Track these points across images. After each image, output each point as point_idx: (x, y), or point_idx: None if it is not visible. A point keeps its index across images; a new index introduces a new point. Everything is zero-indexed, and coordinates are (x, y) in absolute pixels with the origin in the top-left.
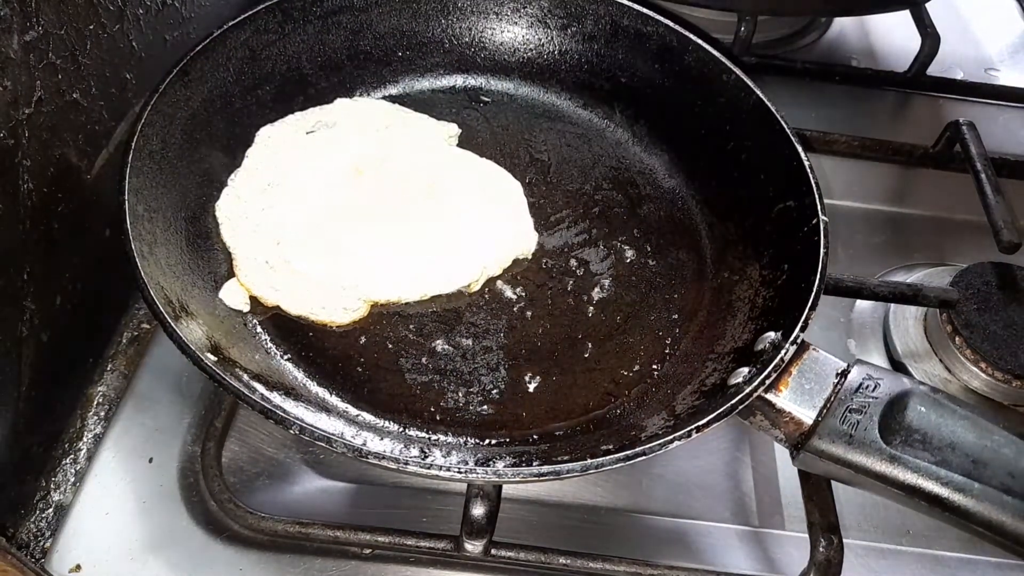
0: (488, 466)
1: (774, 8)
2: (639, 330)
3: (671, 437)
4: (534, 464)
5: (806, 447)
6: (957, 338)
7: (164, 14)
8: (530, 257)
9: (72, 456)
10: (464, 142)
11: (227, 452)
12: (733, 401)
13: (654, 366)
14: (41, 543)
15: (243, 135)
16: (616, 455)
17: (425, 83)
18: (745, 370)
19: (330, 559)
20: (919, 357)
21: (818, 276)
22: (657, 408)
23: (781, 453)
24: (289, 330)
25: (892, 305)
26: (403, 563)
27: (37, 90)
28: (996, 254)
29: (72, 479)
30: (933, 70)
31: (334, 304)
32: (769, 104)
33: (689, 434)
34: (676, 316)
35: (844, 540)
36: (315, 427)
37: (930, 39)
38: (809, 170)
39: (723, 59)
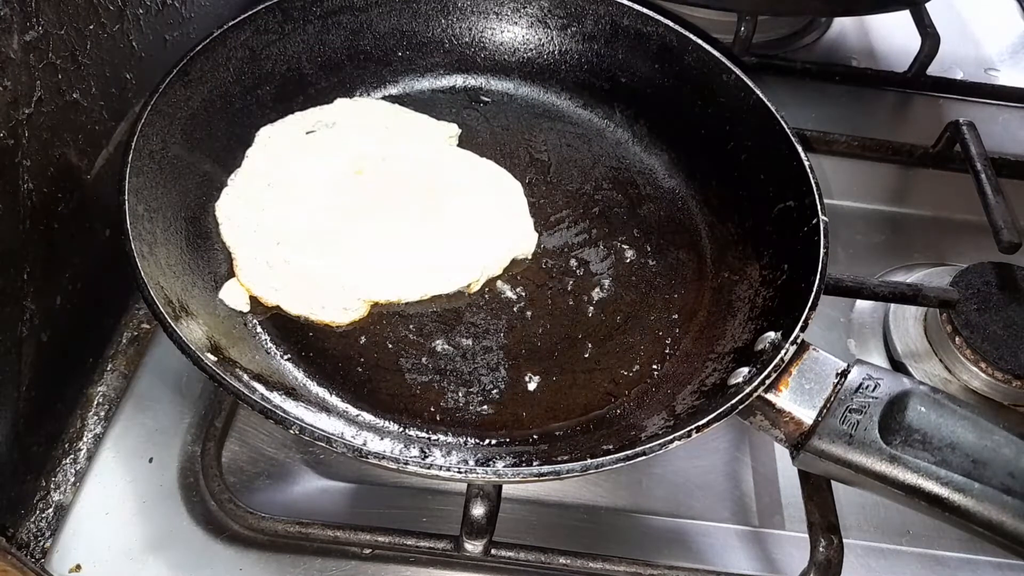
0: (488, 466)
1: (774, 8)
2: (639, 330)
3: (671, 437)
4: (534, 464)
5: (806, 447)
6: (957, 338)
7: (164, 14)
8: (530, 257)
9: (72, 456)
10: (464, 142)
11: (227, 452)
12: (733, 401)
13: (654, 366)
14: (41, 543)
15: (243, 135)
16: (616, 455)
17: (425, 83)
18: (745, 370)
19: (330, 559)
20: (919, 357)
21: (818, 276)
22: (657, 408)
23: (781, 453)
24: (289, 330)
25: (892, 305)
26: (403, 563)
27: (37, 90)
28: (996, 254)
29: (72, 479)
30: (933, 70)
31: (334, 304)
32: (769, 104)
33: (689, 434)
34: (676, 316)
35: (844, 540)
36: (315, 427)
37: (930, 39)
38: (809, 170)
39: (723, 59)
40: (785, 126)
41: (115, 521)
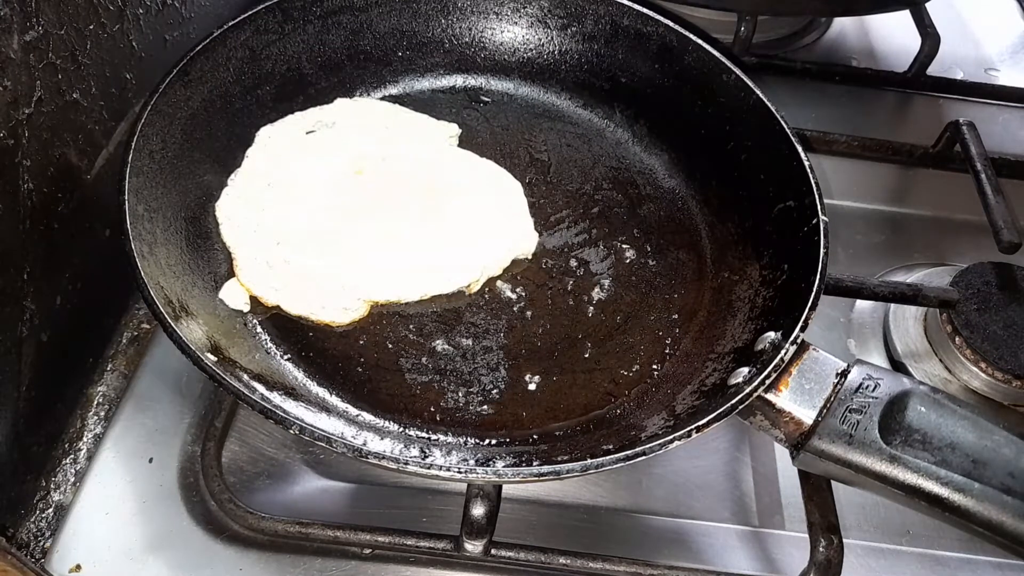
0: (488, 466)
1: (774, 8)
2: (639, 330)
3: (671, 437)
4: (534, 464)
5: (806, 447)
6: (957, 338)
7: (164, 14)
8: (530, 257)
9: (72, 456)
10: (464, 142)
11: (227, 452)
12: (733, 401)
13: (654, 366)
14: (41, 543)
15: (243, 135)
16: (616, 455)
17: (425, 83)
18: (745, 370)
19: (330, 559)
20: (919, 357)
21: (818, 276)
22: (657, 408)
23: (781, 453)
24: (289, 330)
25: (892, 305)
26: (403, 563)
27: (37, 90)
28: (996, 254)
29: (72, 479)
30: (933, 70)
31: (334, 304)
32: (769, 104)
33: (689, 434)
34: (676, 316)
35: (844, 540)
36: (315, 427)
37: (930, 39)
38: (809, 170)
39: (723, 59)
40: (785, 126)
41: (115, 521)
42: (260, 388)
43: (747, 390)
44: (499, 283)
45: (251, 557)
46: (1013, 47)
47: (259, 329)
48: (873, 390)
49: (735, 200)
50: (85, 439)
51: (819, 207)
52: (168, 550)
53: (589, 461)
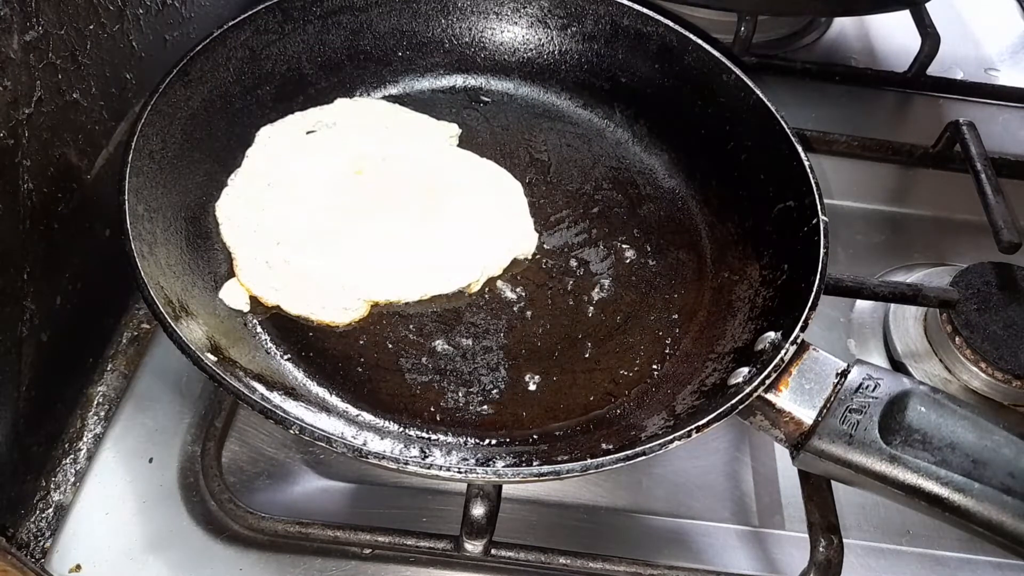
0: (488, 466)
1: (774, 8)
2: (639, 330)
3: (671, 437)
4: (534, 464)
5: (806, 447)
6: (957, 338)
7: (164, 14)
8: (530, 257)
9: (72, 456)
10: (464, 142)
11: (227, 452)
12: (733, 401)
13: (654, 366)
14: (41, 543)
15: (243, 135)
16: (616, 455)
17: (425, 83)
18: (745, 370)
19: (330, 559)
20: (919, 357)
21: (818, 276)
22: (657, 408)
23: (781, 453)
24: (289, 330)
25: (892, 305)
26: (403, 563)
27: (37, 90)
28: (996, 254)
29: (72, 479)
30: (933, 70)
31: (334, 304)
32: (769, 104)
33: (689, 434)
34: (676, 316)
35: (844, 540)
36: (315, 427)
37: (930, 39)
38: (809, 170)
39: (723, 59)
40: (785, 126)
41: (115, 521)
42: (260, 388)
43: (747, 390)
44: (499, 283)
45: (251, 557)
46: (1013, 47)
47: (259, 329)
48: (873, 390)
49: (735, 200)
50: (85, 439)
51: (819, 207)
52: (168, 550)
53: (589, 461)
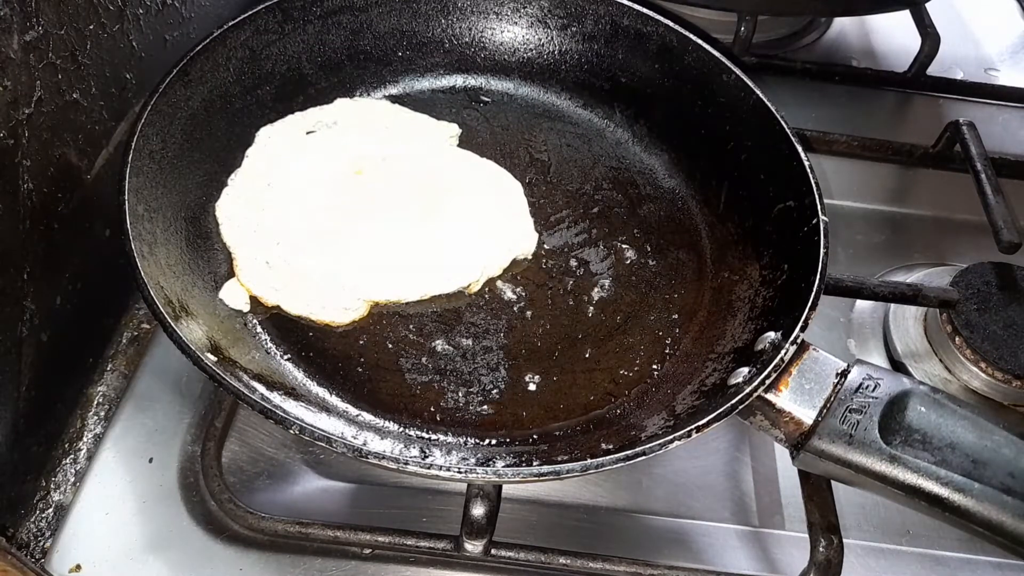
0: (488, 466)
1: (774, 8)
2: (639, 330)
3: (671, 437)
4: (534, 464)
5: (806, 447)
6: (957, 338)
7: (164, 14)
8: (530, 257)
9: (72, 456)
10: (464, 142)
11: (227, 452)
12: (733, 401)
13: (654, 366)
14: (41, 543)
15: (243, 135)
16: (616, 455)
17: (425, 83)
18: (745, 370)
19: (330, 559)
20: (919, 357)
21: (818, 276)
22: (657, 408)
23: (781, 453)
24: (289, 330)
25: (892, 305)
26: (403, 563)
27: (37, 90)
28: (996, 254)
29: (72, 479)
30: (933, 70)
31: (334, 304)
32: (769, 104)
33: (689, 434)
34: (676, 316)
35: (844, 540)
36: (315, 427)
37: (930, 39)
38: (809, 170)
39: (723, 59)
40: (785, 126)
41: (115, 521)
42: (260, 388)
43: (747, 390)
44: (499, 283)
45: (251, 557)
46: (1013, 47)
47: (259, 329)
48: (873, 390)
49: (735, 200)
50: (85, 439)
51: (819, 207)
52: (168, 550)
53: (589, 461)
